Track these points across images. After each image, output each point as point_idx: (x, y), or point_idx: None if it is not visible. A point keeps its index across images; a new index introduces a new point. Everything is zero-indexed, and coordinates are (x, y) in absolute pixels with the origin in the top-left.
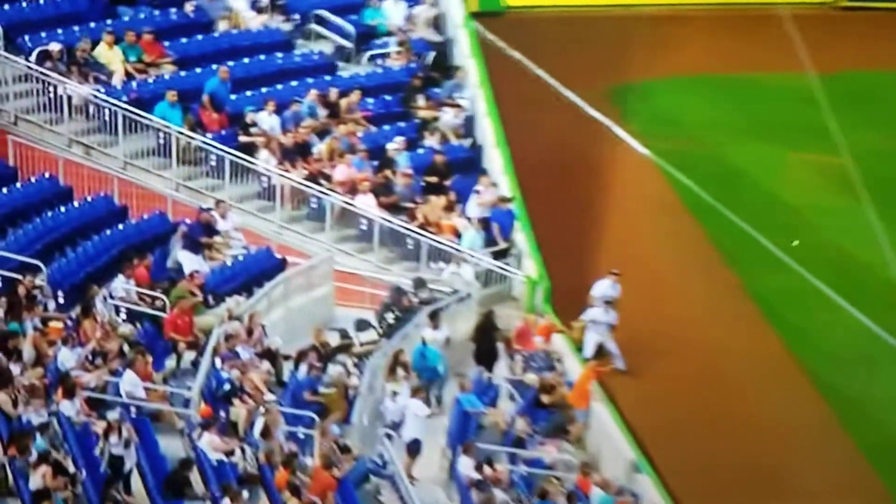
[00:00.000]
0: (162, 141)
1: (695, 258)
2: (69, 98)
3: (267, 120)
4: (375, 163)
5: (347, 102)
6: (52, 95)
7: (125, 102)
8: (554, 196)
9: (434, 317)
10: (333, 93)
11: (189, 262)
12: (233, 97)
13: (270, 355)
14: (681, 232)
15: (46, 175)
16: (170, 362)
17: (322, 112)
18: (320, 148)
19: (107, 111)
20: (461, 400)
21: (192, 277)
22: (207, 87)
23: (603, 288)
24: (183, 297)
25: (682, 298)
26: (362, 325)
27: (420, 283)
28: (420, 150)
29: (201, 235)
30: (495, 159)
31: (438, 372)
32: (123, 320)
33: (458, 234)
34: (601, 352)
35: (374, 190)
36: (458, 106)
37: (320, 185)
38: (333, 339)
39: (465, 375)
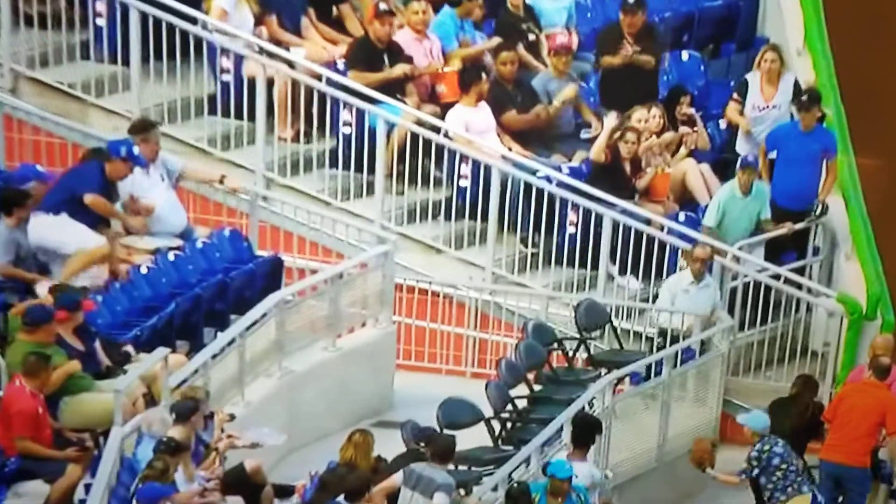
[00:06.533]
0: None
1: None
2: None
3: None
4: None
5: None
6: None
7: None
8: None
9: (583, 438)
10: None
11: (67, 242)
12: None
13: (243, 486)
14: None
15: None
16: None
17: None
18: None
19: None
20: None
21: (76, 307)
22: None
23: None
24: (34, 352)
25: None
26: (456, 414)
27: (593, 315)
28: None
29: (97, 188)
30: (792, 20)
31: None
32: None
33: (684, 203)
34: None
35: (495, 94)
36: None
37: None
38: (393, 449)
39: None
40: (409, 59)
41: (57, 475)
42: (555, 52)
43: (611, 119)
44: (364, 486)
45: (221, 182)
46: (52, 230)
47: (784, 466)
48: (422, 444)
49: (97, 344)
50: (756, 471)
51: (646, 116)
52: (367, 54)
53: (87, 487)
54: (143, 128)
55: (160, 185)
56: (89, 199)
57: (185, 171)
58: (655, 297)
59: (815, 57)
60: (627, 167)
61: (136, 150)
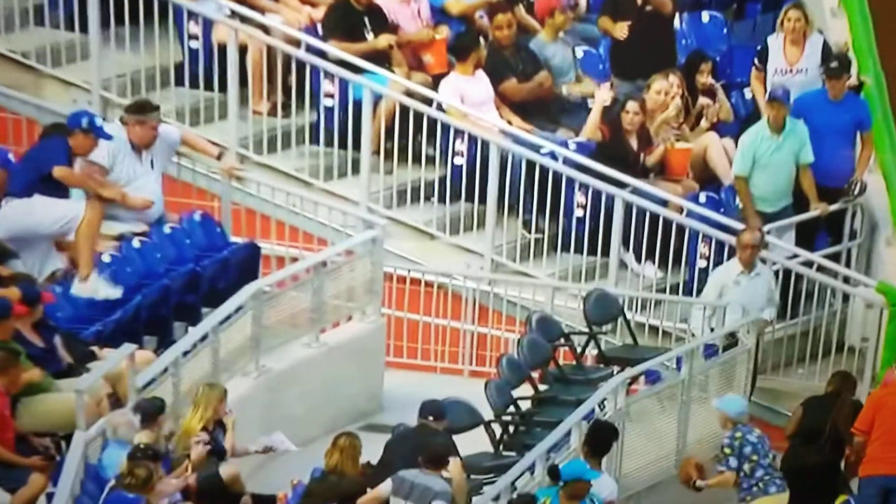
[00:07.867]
0: None
1: None
2: None
3: None
4: None
5: None
6: None
7: None
8: None
9: (598, 446)
10: None
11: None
12: None
13: (219, 495)
14: None
15: None
16: None
17: None
18: None
19: None
20: None
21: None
22: None
23: None
24: (4, 347)
25: None
26: (452, 417)
27: (604, 307)
28: None
29: (64, 163)
30: None
31: None
32: None
33: (705, 182)
34: None
35: (492, 62)
36: None
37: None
38: (376, 450)
39: None
40: (395, 27)
41: (19, 484)
42: (560, 10)
43: (603, 92)
44: (360, 492)
45: (219, 159)
46: (28, 212)
47: (755, 458)
48: (431, 419)
49: (57, 340)
50: (734, 460)
51: (666, 87)
52: (346, 20)
53: (50, 497)
54: (140, 109)
55: (150, 174)
56: (59, 171)
57: (183, 138)
58: (675, 287)
59: (851, 17)
60: (634, 142)
61: (98, 121)
